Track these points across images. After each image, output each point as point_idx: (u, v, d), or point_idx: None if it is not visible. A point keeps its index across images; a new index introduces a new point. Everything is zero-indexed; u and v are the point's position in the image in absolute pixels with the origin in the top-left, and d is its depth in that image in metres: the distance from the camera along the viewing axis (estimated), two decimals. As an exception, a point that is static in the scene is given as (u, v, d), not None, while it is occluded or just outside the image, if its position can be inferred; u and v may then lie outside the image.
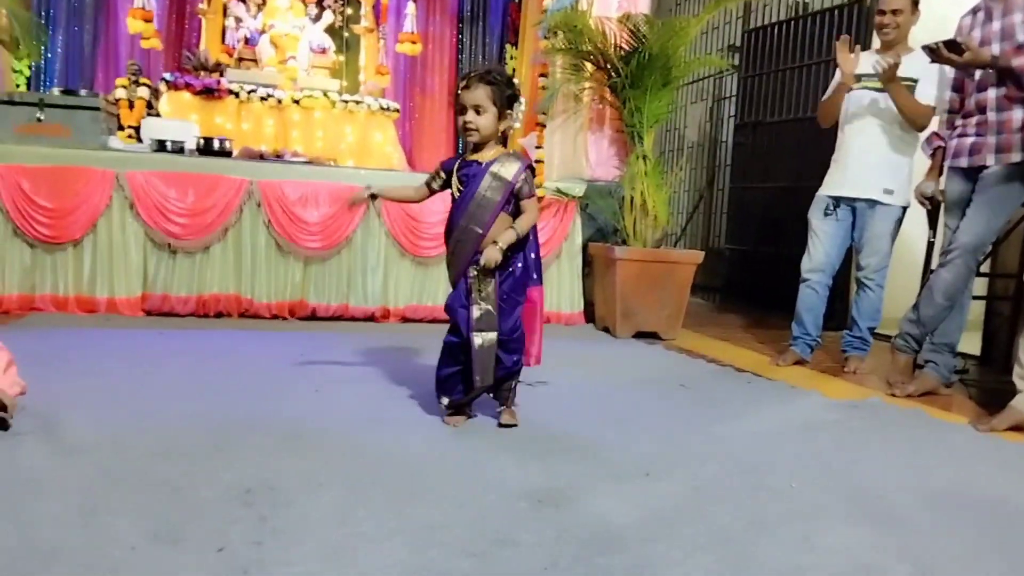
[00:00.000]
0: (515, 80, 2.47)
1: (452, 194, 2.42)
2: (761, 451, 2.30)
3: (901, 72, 3.58)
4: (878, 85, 3.58)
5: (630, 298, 4.45)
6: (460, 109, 2.37)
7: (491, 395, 2.49)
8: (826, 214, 3.81)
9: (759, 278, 6.16)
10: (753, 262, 6.27)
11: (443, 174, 2.45)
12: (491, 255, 2.29)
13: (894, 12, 3.65)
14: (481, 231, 2.34)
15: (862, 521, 1.78)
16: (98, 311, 4.10)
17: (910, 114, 3.57)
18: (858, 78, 3.68)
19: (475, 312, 2.36)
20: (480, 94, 2.32)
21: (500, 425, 2.42)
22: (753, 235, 6.30)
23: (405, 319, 4.56)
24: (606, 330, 4.65)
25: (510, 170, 2.35)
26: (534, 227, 2.47)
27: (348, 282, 4.45)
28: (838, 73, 3.88)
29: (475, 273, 2.35)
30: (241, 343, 3.58)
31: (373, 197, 2.53)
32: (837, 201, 3.79)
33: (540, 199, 2.41)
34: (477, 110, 2.33)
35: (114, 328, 3.75)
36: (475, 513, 1.71)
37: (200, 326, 3.97)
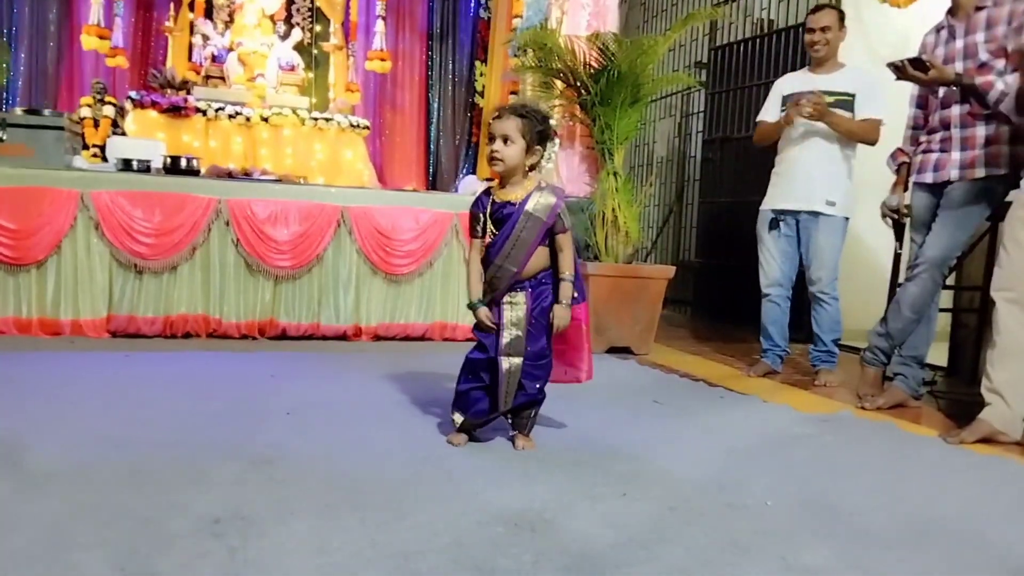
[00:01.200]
0: (551, 120, 2.47)
1: (488, 233, 2.40)
2: (736, 468, 2.31)
3: (836, 88, 3.68)
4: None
5: (603, 314, 4.46)
6: (489, 138, 2.36)
7: (508, 419, 2.48)
8: (770, 229, 3.88)
9: (728, 291, 6.21)
10: (722, 275, 6.32)
11: (480, 217, 2.41)
12: (563, 319, 2.35)
13: (823, 29, 3.77)
14: (516, 269, 2.35)
15: (838, 541, 1.79)
16: (63, 333, 4.01)
17: (853, 136, 3.68)
18: (791, 97, 3.77)
19: (505, 337, 2.37)
20: (510, 125, 2.32)
21: (516, 447, 2.41)
22: (722, 249, 6.35)
23: (377, 337, 4.52)
24: (580, 345, 4.64)
25: (544, 208, 2.35)
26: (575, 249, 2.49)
27: (319, 300, 4.40)
28: (774, 93, 3.95)
29: (510, 316, 2.37)
30: (210, 364, 3.53)
31: (481, 303, 2.42)
32: (781, 214, 3.85)
33: None
34: (505, 140, 2.33)
35: (79, 351, 3.68)
36: (452, 539, 1.69)
37: (168, 348, 3.90)
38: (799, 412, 3.11)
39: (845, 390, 3.67)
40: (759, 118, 4.05)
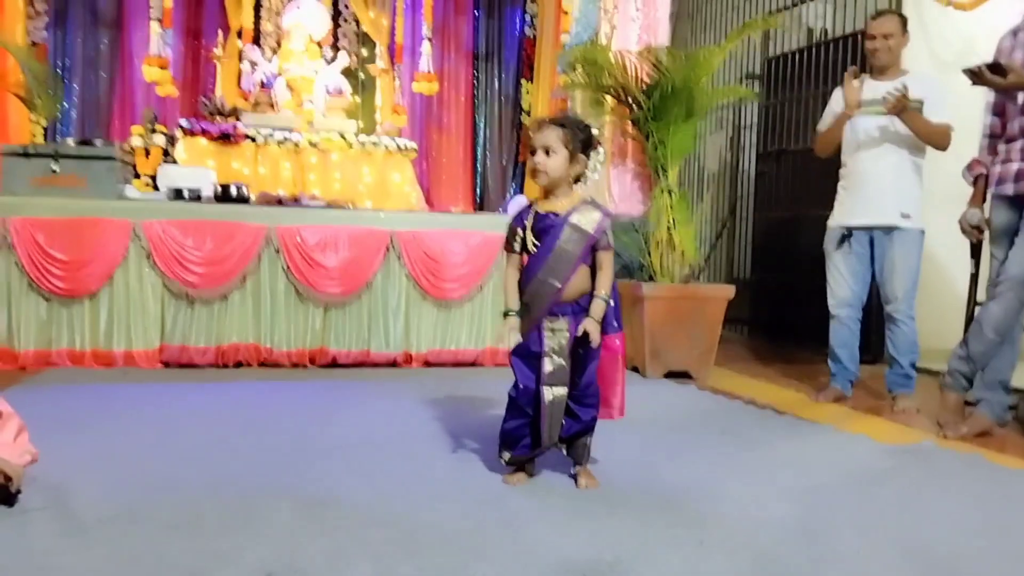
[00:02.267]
0: (594, 130, 2.37)
1: (528, 248, 2.29)
2: (819, 509, 2.14)
3: None
4: (882, 110, 3.47)
5: (659, 337, 4.31)
6: (531, 151, 2.28)
7: (565, 452, 2.36)
8: (838, 246, 3.69)
9: (786, 309, 5.99)
10: (780, 293, 6.10)
11: (520, 231, 2.30)
12: (594, 334, 2.20)
13: (885, 36, 3.60)
14: (560, 285, 2.23)
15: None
16: (115, 365, 4.01)
17: (928, 138, 3.48)
18: (859, 104, 3.58)
19: (547, 366, 2.25)
20: (551, 136, 2.23)
21: (579, 487, 2.28)
22: (779, 265, 6.14)
23: (428, 363, 4.43)
24: (635, 370, 4.49)
25: (590, 221, 2.24)
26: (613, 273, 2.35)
27: (369, 327, 4.34)
28: (833, 102, 3.78)
29: (552, 343, 2.25)
30: (261, 395, 3.47)
31: (515, 312, 2.33)
32: (850, 231, 3.66)
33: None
34: (547, 151, 2.23)
35: (131, 383, 3.65)
36: (517, 595, 1.57)
37: (219, 378, 3.86)
38: (878, 443, 2.91)
39: (924, 416, 3.46)
40: (818, 127, 3.88)
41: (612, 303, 2.32)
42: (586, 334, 2.21)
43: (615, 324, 2.33)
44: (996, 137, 3.28)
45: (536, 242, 2.26)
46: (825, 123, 3.83)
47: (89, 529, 1.84)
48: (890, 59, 3.62)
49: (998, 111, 3.28)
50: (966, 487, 2.44)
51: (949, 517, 2.13)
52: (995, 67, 2.90)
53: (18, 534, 1.80)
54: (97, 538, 1.79)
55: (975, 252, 3.59)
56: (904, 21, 3.65)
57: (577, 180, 2.32)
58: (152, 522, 1.89)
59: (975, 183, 3.39)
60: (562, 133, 2.23)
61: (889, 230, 3.56)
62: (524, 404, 2.27)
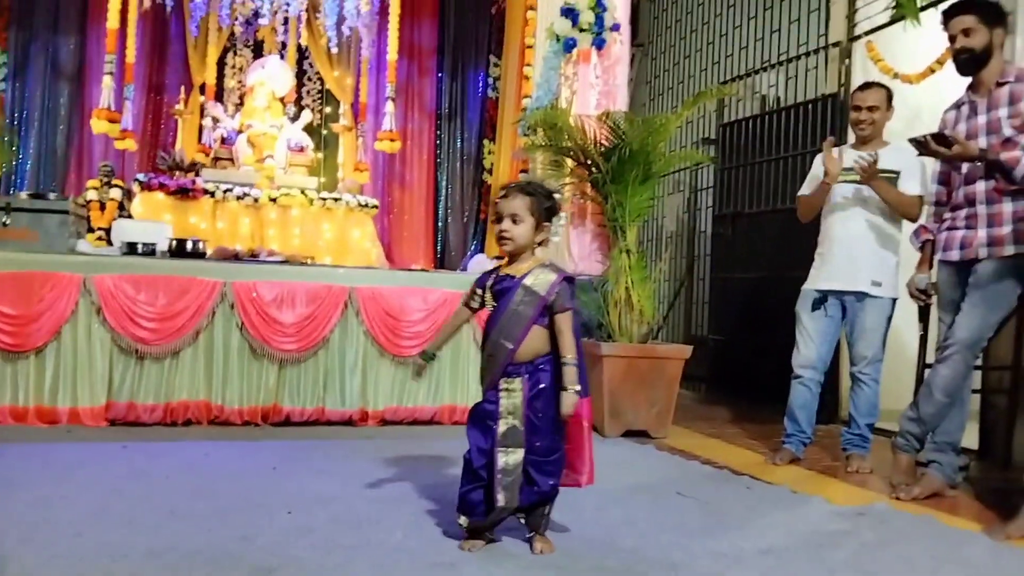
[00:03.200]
0: (556, 195, 2.41)
1: (487, 305, 2.32)
2: (775, 572, 2.14)
3: (881, 165, 3.59)
4: (858, 178, 3.58)
5: (618, 395, 4.32)
6: (497, 218, 2.29)
7: (521, 520, 2.31)
8: (814, 309, 3.75)
9: (744, 368, 6.05)
10: (737, 352, 6.18)
11: (479, 291, 2.34)
12: (569, 405, 2.20)
13: (870, 108, 3.70)
14: (512, 346, 2.23)
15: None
16: (60, 422, 3.87)
17: (897, 207, 3.58)
18: (838, 175, 3.68)
19: (501, 427, 2.22)
20: (518, 203, 2.26)
21: (535, 553, 2.23)
22: (736, 324, 6.23)
23: (384, 421, 4.36)
24: (594, 429, 4.47)
25: (544, 284, 2.24)
26: (579, 336, 2.34)
27: (324, 384, 4.27)
28: (815, 168, 3.88)
29: (505, 403, 2.24)
30: (210, 455, 3.37)
31: (432, 357, 2.44)
32: (825, 295, 3.73)
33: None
34: (514, 219, 2.26)
35: (75, 442, 3.53)
36: (469, 667, 1.52)
37: (167, 436, 3.75)
38: (833, 505, 2.92)
39: (878, 477, 3.49)
40: (800, 192, 3.95)
41: (577, 366, 2.27)
42: (539, 393, 2.22)
43: (580, 388, 2.27)
44: (942, 205, 3.38)
45: (493, 303, 2.29)
46: (807, 189, 3.91)
47: (21, 600, 1.76)
48: (873, 132, 3.71)
49: (943, 180, 3.39)
50: (918, 550, 2.44)
51: (902, 581, 2.14)
52: (940, 138, 3.01)
53: (-56, 605, 1.71)
54: (29, 609, 1.71)
55: (923, 316, 3.68)
56: (890, 94, 3.74)
57: (540, 245, 2.35)
58: (89, 592, 1.82)
59: (922, 248, 3.48)
60: (529, 201, 2.26)
61: (861, 296, 3.63)
62: (478, 468, 2.23)
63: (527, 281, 2.25)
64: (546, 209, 2.30)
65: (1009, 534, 2.61)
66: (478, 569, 2.08)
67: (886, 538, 2.56)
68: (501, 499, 2.19)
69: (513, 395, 2.24)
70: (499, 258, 2.46)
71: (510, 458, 2.21)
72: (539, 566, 2.14)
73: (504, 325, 2.24)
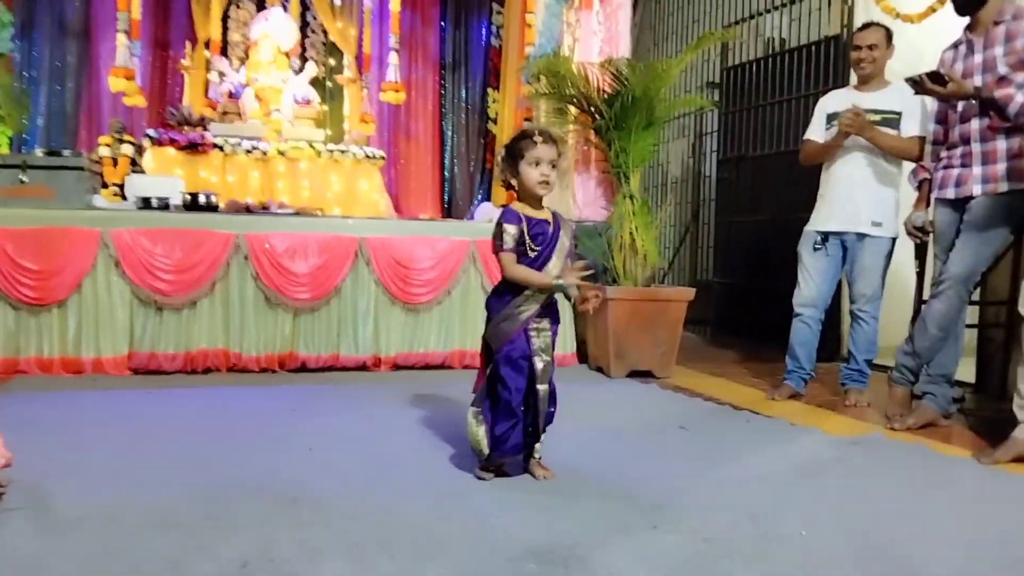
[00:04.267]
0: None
1: (526, 251, 2.37)
2: (768, 496, 2.27)
3: (882, 106, 3.63)
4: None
5: (623, 338, 4.43)
6: (534, 161, 2.34)
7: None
8: (815, 249, 3.82)
9: (749, 311, 6.16)
10: (742, 295, 6.28)
11: (517, 232, 2.36)
12: (572, 280, 2.33)
13: (870, 47, 3.72)
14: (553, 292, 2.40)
15: (877, 571, 1.74)
16: (84, 372, 4.02)
17: (896, 152, 3.63)
18: (837, 116, 3.71)
19: (539, 364, 2.37)
20: (555, 151, 2.37)
21: (537, 478, 2.40)
22: (741, 268, 6.32)
23: (397, 366, 4.51)
24: (600, 370, 4.61)
25: (569, 231, 2.45)
26: None
27: (338, 332, 4.40)
28: (817, 115, 3.91)
29: (539, 342, 2.39)
30: (231, 400, 3.52)
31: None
32: (826, 236, 3.80)
33: None
34: (553, 164, 2.36)
35: (101, 390, 3.68)
36: (482, 577, 1.66)
37: (188, 383, 3.90)
38: (829, 435, 3.06)
39: (874, 410, 3.61)
40: (806, 136, 3.97)
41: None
42: (556, 330, 2.45)
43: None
44: (939, 144, 3.43)
45: (535, 247, 2.37)
46: (811, 134, 3.93)
47: (68, 528, 1.90)
48: (874, 70, 3.73)
49: (940, 119, 3.43)
50: (908, 475, 2.58)
51: (889, 502, 2.26)
52: (936, 76, 3.05)
53: (-2, 533, 1.86)
54: (77, 536, 1.85)
55: (920, 253, 3.76)
56: (889, 33, 3.76)
57: None
58: (129, 520, 1.96)
59: (919, 187, 3.56)
60: (557, 150, 2.38)
61: (861, 236, 3.71)
62: (516, 407, 2.35)
63: (563, 229, 2.41)
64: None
65: (996, 458, 2.73)
66: (488, 498, 2.22)
67: (878, 464, 2.69)
68: (542, 428, 2.39)
69: (543, 334, 2.40)
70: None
71: (542, 391, 2.37)
72: (546, 492, 2.28)
73: (558, 264, 2.37)
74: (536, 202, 2.42)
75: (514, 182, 2.41)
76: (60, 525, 1.91)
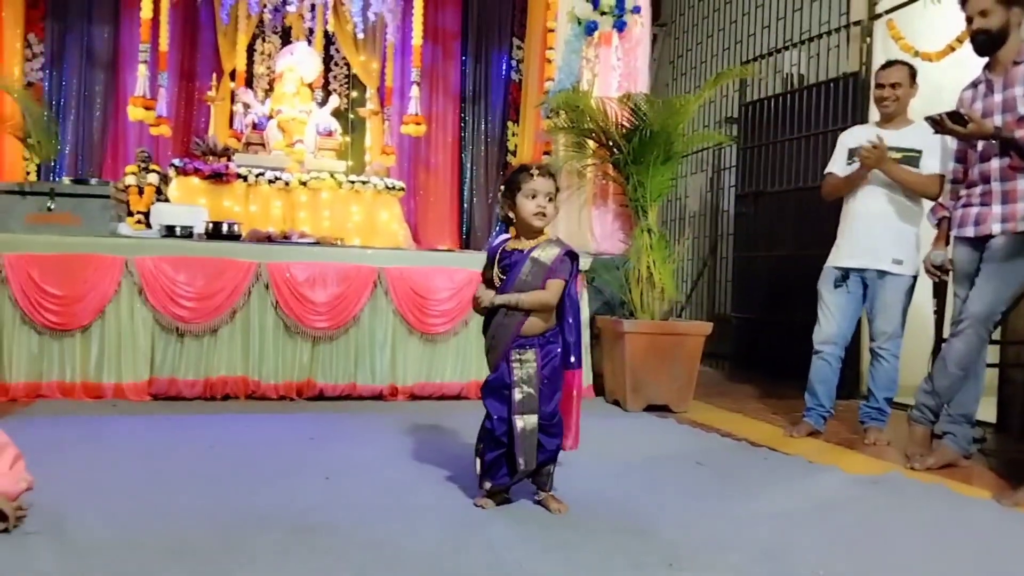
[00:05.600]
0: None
1: (494, 281, 2.46)
2: (784, 534, 2.25)
3: (904, 144, 3.63)
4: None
5: (640, 371, 4.43)
6: (530, 194, 2.40)
7: (530, 479, 2.48)
8: (836, 286, 3.81)
9: (767, 346, 6.13)
10: (760, 330, 6.26)
11: (486, 261, 2.51)
12: (500, 299, 2.37)
13: (893, 86, 3.73)
14: (522, 317, 2.39)
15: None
16: (105, 397, 4.07)
17: (915, 188, 3.62)
18: (857, 152, 3.73)
19: (517, 395, 2.38)
20: (552, 185, 2.43)
21: (551, 511, 2.40)
22: (759, 303, 6.30)
23: (413, 396, 4.52)
24: (616, 403, 4.60)
25: (549, 256, 2.40)
26: (578, 311, 2.52)
27: (356, 361, 4.43)
28: (839, 150, 3.92)
29: (519, 373, 2.38)
30: (249, 427, 3.54)
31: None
32: (846, 272, 3.79)
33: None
34: (549, 197, 2.41)
35: (121, 415, 3.72)
36: (495, 611, 1.66)
37: (207, 410, 3.93)
38: (847, 473, 3.02)
39: (894, 450, 3.57)
40: (827, 170, 3.97)
41: (573, 340, 2.47)
42: (548, 364, 2.39)
43: (572, 361, 2.48)
44: (958, 182, 3.43)
45: (501, 276, 2.42)
46: (833, 167, 3.93)
47: (86, 553, 1.92)
48: (898, 109, 3.74)
49: (960, 158, 3.43)
50: (927, 515, 2.54)
51: (907, 542, 2.24)
52: (955, 116, 3.06)
53: (18, 557, 1.87)
54: (94, 562, 1.86)
55: (938, 291, 3.74)
56: (913, 72, 3.77)
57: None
58: (147, 547, 1.97)
59: (939, 225, 3.54)
60: (554, 183, 2.44)
61: (882, 274, 3.69)
62: (500, 435, 2.38)
63: (535, 254, 2.40)
64: (556, 191, 2.47)
65: (1018, 500, 2.70)
66: (504, 528, 2.22)
67: (897, 504, 2.66)
68: (522, 462, 2.36)
69: (527, 365, 2.39)
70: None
71: (527, 423, 2.36)
72: (561, 524, 2.27)
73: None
74: (531, 235, 2.45)
75: (512, 215, 2.46)
76: (78, 550, 1.93)
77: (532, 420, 2.37)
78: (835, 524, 2.38)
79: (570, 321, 2.47)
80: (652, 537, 2.18)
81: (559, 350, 2.44)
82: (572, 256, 2.45)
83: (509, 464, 2.39)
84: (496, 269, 2.45)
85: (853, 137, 3.88)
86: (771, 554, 2.06)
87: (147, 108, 5.94)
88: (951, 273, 3.45)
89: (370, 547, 2.01)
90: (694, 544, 2.13)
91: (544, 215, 2.41)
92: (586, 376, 4.82)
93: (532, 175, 2.42)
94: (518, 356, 2.39)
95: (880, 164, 3.59)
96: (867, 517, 2.48)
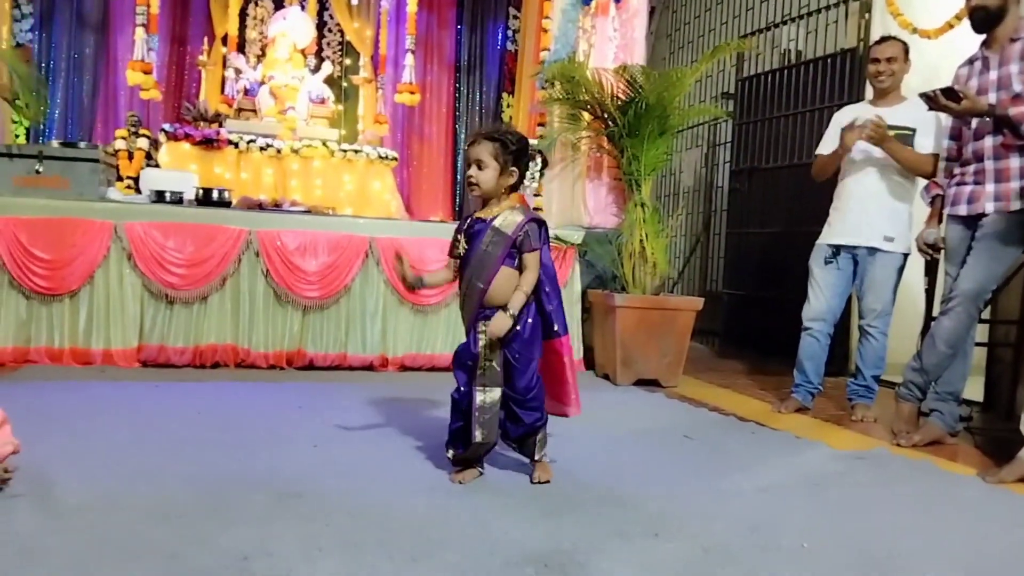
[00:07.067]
0: (531, 141, 2.48)
1: (460, 248, 2.43)
2: (770, 508, 2.26)
3: (897, 121, 3.61)
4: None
5: (630, 345, 4.43)
6: (466, 163, 2.40)
7: (518, 451, 2.47)
8: (827, 263, 3.81)
9: (758, 323, 6.14)
10: (752, 306, 6.26)
11: (459, 237, 2.44)
12: (500, 325, 2.28)
13: (888, 60, 3.70)
14: (483, 286, 2.35)
15: (877, 583, 1.74)
16: (93, 363, 4.05)
17: (911, 166, 3.61)
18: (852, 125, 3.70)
19: (478, 367, 2.35)
20: (482, 150, 2.35)
21: (533, 482, 2.38)
22: (751, 279, 6.30)
23: (404, 367, 4.52)
24: (606, 377, 4.61)
25: (511, 224, 2.35)
26: (554, 278, 2.46)
27: (346, 331, 4.42)
28: (831, 127, 3.90)
29: (484, 342, 2.33)
30: (238, 395, 3.54)
31: (420, 284, 2.51)
32: (837, 249, 3.79)
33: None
34: (479, 164, 2.36)
35: (109, 381, 3.71)
36: (480, 579, 1.66)
37: (196, 378, 3.92)
38: (834, 449, 3.04)
39: (881, 426, 3.59)
40: (817, 151, 3.96)
41: (552, 308, 2.43)
42: (516, 335, 2.34)
43: (555, 330, 2.44)
44: (952, 160, 3.42)
45: (466, 245, 2.40)
46: (824, 148, 3.92)
47: (70, 515, 1.91)
48: (892, 84, 3.72)
49: (954, 135, 3.42)
50: (912, 491, 2.56)
51: (890, 517, 2.25)
52: (950, 93, 3.04)
53: (3, 519, 1.87)
54: (78, 523, 1.86)
55: (929, 270, 3.75)
56: (907, 48, 3.74)
57: (514, 189, 2.43)
58: (131, 509, 1.97)
59: (932, 203, 3.54)
60: (493, 147, 2.35)
61: (873, 251, 3.69)
62: (464, 407, 2.37)
63: (496, 223, 2.36)
64: (512, 154, 2.37)
65: (1002, 477, 2.72)
66: (491, 497, 2.22)
67: (881, 479, 2.67)
68: (478, 435, 2.32)
69: (491, 344, 2.34)
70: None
71: (487, 396, 2.34)
72: (548, 494, 2.28)
73: (475, 266, 2.36)
74: (491, 203, 2.40)
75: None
76: (62, 512, 1.92)
77: (494, 394, 2.34)
78: (821, 499, 2.40)
79: (547, 290, 2.43)
80: (638, 508, 2.19)
81: (530, 321, 2.38)
82: (539, 222, 2.40)
83: (464, 436, 2.37)
84: (462, 239, 2.41)
85: (847, 115, 3.86)
86: (756, 527, 2.07)
87: (145, 72, 5.86)
88: (943, 251, 3.45)
89: (356, 515, 2.01)
90: (680, 515, 2.14)
91: (472, 184, 2.36)
92: (576, 350, 4.83)
93: (468, 144, 2.38)
94: (483, 327, 2.35)
95: (882, 142, 3.57)
96: (853, 492, 2.49)
